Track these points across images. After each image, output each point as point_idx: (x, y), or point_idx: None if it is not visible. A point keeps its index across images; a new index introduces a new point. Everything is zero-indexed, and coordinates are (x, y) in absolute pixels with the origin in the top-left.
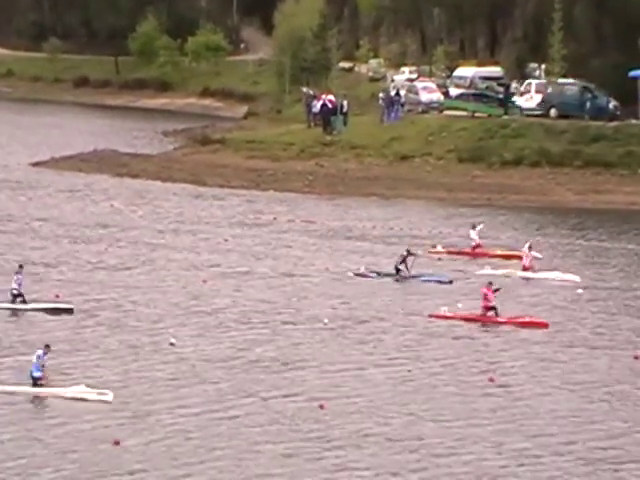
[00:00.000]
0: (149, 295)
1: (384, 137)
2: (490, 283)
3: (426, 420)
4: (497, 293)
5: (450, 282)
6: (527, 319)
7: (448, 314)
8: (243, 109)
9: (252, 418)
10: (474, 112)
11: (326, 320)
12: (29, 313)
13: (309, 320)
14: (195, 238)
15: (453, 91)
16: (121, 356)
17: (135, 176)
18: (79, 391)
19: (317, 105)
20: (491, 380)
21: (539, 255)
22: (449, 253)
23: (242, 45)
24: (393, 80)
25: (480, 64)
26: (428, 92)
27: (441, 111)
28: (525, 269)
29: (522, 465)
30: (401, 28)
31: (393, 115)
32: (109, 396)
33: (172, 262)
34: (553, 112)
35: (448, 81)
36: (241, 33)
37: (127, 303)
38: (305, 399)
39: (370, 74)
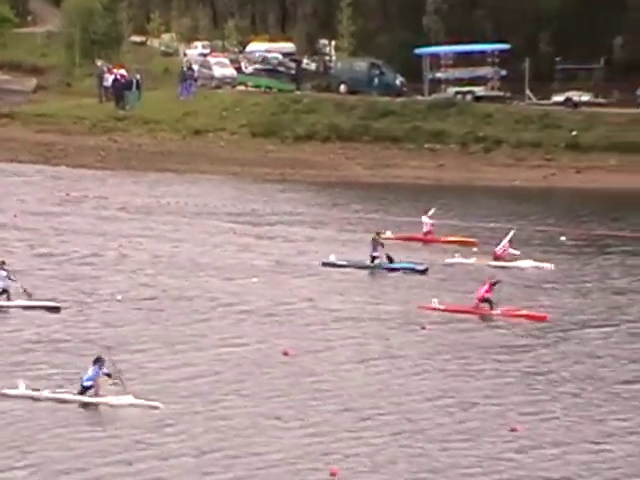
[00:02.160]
0: None
1: (178, 112)
2: (494, 282)
3: (240, 398)
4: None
5: (425, 270)
6: (524, 312)
7: (439, 306)
8: (32, 82)
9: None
10: (267, 87)
11: (120, 297)
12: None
13: (110, 297)
14: None
15: (246, 66)
16: None
17: None
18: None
19: (109, 79)
20: (285, 354)
21: (515, 251)
22: (399, 239)
23: (30, 17)
24: (186, 55)
25: (272, 40)
26: (221, 67)
27: (234, 86)
28: (496, 257)
29: (332, 440)
30: (193, 2)
31: (186, 90)
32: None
33: None
34: (343, 88)
35: (241, 56)
36: (28, 4)
37: None
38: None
39: (162, 48)
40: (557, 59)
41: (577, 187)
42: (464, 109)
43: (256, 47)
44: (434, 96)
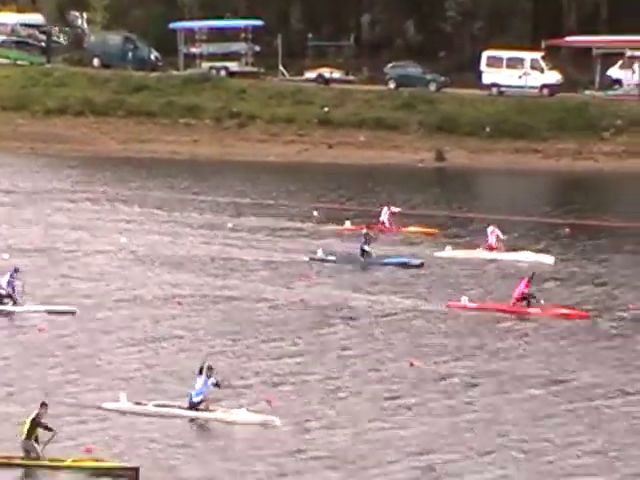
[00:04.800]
0: None
1: None
2: (531, 277)
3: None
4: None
5: (421, 265)
6: (565, 311)
7: (469, 305)
8: None
9: None
10: (16, 60)
11: None
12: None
13: None
14: None
15: None
16: None
17: None
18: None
19: None
20: (41, 330)
21: (501, 235)
22: (359, 230)
23: None
24: None
25: (20, 10)
26: None
27: None
28: (491, 249)
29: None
30: None
31: None
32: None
33: None
34: (96, 62)
35: None
36: None
37: None
38: None
39: None
40: (309, 36)
41: (330, 162)
42: (218, 84)
43: (4, 18)
44: (189, 71)
